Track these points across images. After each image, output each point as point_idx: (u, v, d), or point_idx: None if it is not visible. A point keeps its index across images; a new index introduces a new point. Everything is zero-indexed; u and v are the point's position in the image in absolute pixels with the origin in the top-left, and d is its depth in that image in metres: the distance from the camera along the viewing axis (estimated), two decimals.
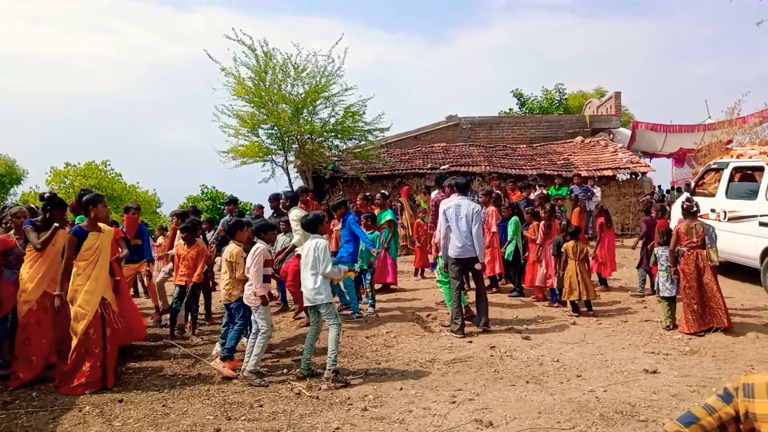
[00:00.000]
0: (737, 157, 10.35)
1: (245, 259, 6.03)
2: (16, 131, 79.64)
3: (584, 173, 17.22)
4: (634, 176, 18.13)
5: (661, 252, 7.58)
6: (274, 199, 9.93)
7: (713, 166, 10.97)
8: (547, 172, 17.76)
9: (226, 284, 6.13)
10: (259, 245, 5.96)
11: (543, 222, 8.92)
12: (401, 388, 5.38)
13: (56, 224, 5.78)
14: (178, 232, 7.95)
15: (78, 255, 5.52)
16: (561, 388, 5.23)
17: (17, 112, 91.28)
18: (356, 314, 8.24)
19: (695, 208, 7.34)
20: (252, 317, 5.92)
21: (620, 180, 18.01)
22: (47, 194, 6.05)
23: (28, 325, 5.67)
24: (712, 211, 10.13)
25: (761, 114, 17.25)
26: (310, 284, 5.73)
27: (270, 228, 6.29)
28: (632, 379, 5.43)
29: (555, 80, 61.33)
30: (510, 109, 33.36)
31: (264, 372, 5.88)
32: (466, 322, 7.46)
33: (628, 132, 21.74)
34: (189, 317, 7.83)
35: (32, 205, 7.59)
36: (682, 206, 7.52)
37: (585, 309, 8.25)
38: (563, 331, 7.32)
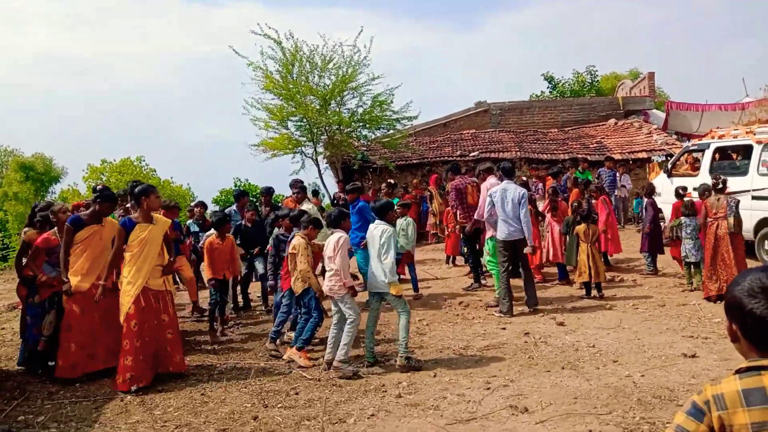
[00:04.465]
0: (719, 137, 10.99)
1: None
2: (53, 130, 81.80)
3: (617, 156, 16.90)
4: (669, 158, 17.73)
5: (687, 222, 8.33)
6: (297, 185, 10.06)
7: (692, 148, 11.86)
8: (579, 156, 17.46)
9: (294, 276, 6.12)
10: (341, 234, 5.83)
11: (548, 201, 9.49)
12: (435, 375, 5.39)
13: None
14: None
15: (125, 246, 5.59)
16: (597, 374, 5.17)
17: (55, 112, 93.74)
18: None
19: (721, 184, 7.93)
20: (340, 306, 5.80)
21: (656, 162, 17.65)
22: (100, 186, 6.15)
23: (70, 311, 5.68)
24: (695, 189, 10.21)
25: None
26: (379, 272, 5.67)
27: (344, 216, 6.12)
28: (670, 363, 5.34)
29: (587, 62, 60.20)
30: (541, 93, 32.87)
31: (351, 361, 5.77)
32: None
33: (661, 114, 21.22)
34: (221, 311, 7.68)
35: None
36: (711, 183, 8.12)
37: (595, 292, 8.27)
38: (598, 317, 7.23)
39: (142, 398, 5.13)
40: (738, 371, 1.59)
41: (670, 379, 4.93)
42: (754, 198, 9.38)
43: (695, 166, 11.69)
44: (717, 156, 10.84)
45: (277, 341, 6.50)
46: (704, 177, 10.45)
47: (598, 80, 32.64)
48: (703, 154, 11.17)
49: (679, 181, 10.83)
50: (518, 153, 17.80)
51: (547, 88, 32.82)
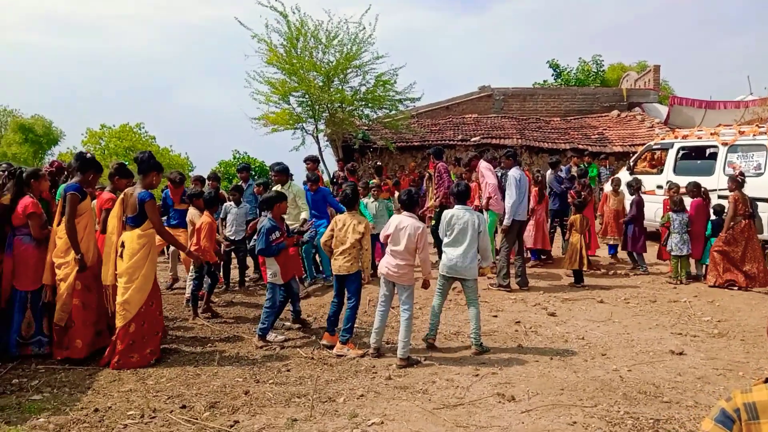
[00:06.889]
0: (683, 137, 11.54)
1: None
2: (52, 92, 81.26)
3: (618, 149, 16.93)
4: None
5: (675, 216, 8.66)
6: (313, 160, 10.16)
7: (655, 147, 12.30)
8: (580, 146, 17.47)
9: (347, 258, 5.71)
10: (420, 223, 5.49)
11: (536, 189, 9.84)
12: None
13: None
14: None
15: (145, 223, 5.34)
16: (585, 366, 5.24)
17: (54, 73, 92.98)
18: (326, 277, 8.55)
19: (744, 181, 8.37)
20: (402, 297, 5.56)
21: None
22: (89, 155, 5.72)
23: (83, 288, 5.37)
24: (659, 187, 11.11)
25: None
26: (464, 256, 5.65)
27: (418, 197, 6.05)
28: (658, 359, 5.41)
29: (594, 51, 59.76)
30: (545, 81, 32.70)
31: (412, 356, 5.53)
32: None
33: (662, 107, 21.18)
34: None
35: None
36: (736, 179, 8.40)
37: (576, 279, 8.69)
38: (590, 309, 7.31)
39: (135, 368, 5.18)
40: None
41: (657, 375, 5.01)
42: (720, 197, 9.65)
43: (653, 163, 12.19)
44: (680, 155, 11.34)
45: (267, 337, 6.05)
46: (668, 175, 11.07)
47: (603, 70, 32.48)
48: (666, 153, 11.65)
49: (641, 178, 11.24)
50: (519, 140, 17.79)
51: (552, 75, 32.69)
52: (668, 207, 8.99)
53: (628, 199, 10.62)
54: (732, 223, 8.23)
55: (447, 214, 5.86)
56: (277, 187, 8.03)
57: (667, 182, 10.07)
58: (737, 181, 8.34)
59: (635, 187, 9.77)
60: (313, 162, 10.35)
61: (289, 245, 6.21)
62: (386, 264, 5.53)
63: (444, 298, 5.96)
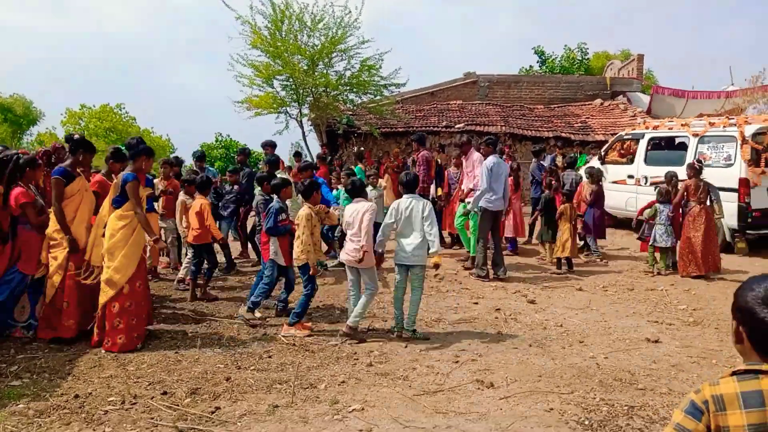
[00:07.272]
0: (653, 128, 11.68)
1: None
2: (32, 71, 79.62)
3: (600, 137, 17.05)
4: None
5: (662, 208, 8.63)
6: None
7: (626, 137, 12.29)
8: (563, 134, 17.58)
9: (299, 246, 5.86)
10: (370, 204, 5.74)
11: (511, 177, 9.81)
12: (406, 346, 5.51)
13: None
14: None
15: (129, 203, 5.36)
16: (563, 353, 5.33)
17: (33, 52, 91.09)
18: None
19: (702, 168, 8.54)
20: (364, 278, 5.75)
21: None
22: (76, 136, 5.74)
23: (69, 287, 5.44)
24: (630, 177, 11.36)
25: None
26: (411, 243, 5.67)
27: (365, 186, 6.20)
28: (633, 347, 5.52)
29: (580, 38, 59.78)
30: (530, 67, 32.75)
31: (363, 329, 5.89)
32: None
33: (645, 97, 21.36)
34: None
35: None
36: (693, 166, 8.53)
37: (566, 267, 8.88)
38: (568, 297, 7.41)
39: (115, 353, 5.17)
40: (735, 373, 1.63)
41: (632, 362, 5.11)
42: None
43: (622, 153, 12.29)
44: (651, 146, 11.48)
45: (255, 311, 6.22)
46: (639, 165, 11.24)
47: (588, 58, 32.60)
48: (637, 144, 11.75)
49: (612, 168, 11.79)
50: (503, 128, 17.84)
51: (537, 62, 32.72)
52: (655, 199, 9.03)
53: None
54: (686, 209, 8.45)
55: (395, 203, 5.91)
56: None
57: (653, 184, 10.17)
58: (695, 169, 8.49)
59: (596, 177, 9.88)
60: (271, 147, 10.45)
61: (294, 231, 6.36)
62: (346, 251, 5.75)
63: (402, 287, 5.96)
